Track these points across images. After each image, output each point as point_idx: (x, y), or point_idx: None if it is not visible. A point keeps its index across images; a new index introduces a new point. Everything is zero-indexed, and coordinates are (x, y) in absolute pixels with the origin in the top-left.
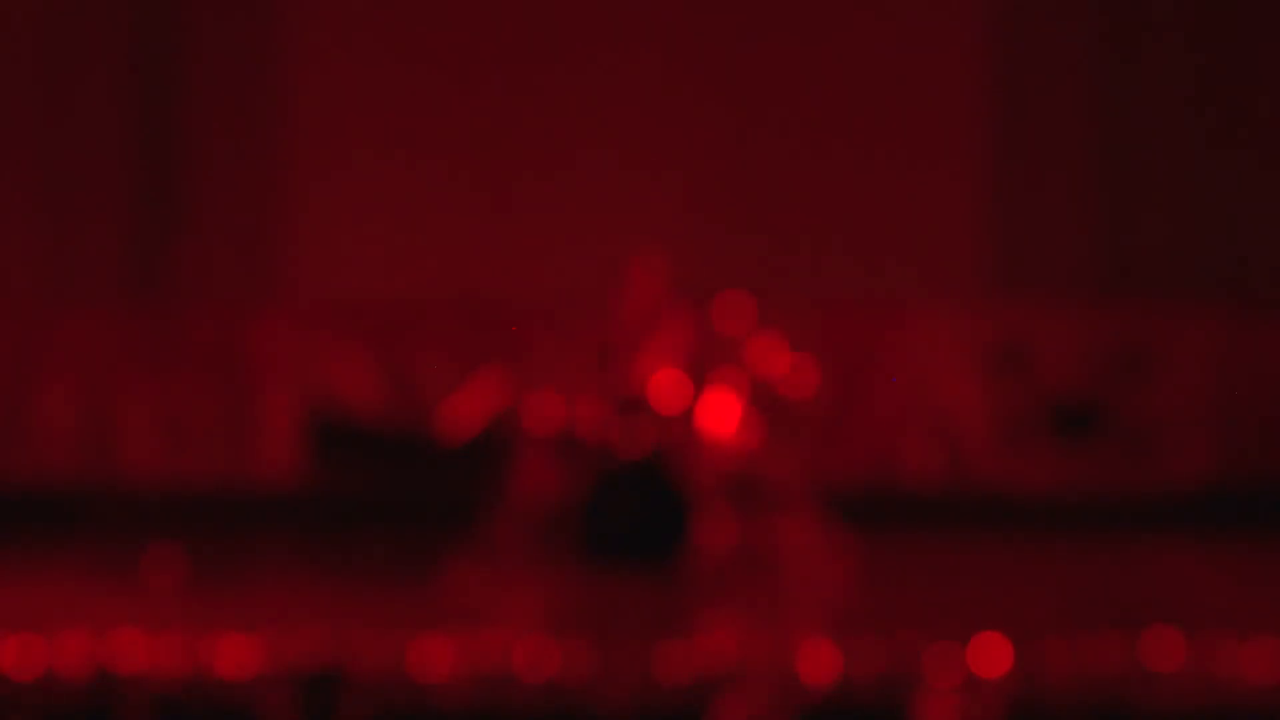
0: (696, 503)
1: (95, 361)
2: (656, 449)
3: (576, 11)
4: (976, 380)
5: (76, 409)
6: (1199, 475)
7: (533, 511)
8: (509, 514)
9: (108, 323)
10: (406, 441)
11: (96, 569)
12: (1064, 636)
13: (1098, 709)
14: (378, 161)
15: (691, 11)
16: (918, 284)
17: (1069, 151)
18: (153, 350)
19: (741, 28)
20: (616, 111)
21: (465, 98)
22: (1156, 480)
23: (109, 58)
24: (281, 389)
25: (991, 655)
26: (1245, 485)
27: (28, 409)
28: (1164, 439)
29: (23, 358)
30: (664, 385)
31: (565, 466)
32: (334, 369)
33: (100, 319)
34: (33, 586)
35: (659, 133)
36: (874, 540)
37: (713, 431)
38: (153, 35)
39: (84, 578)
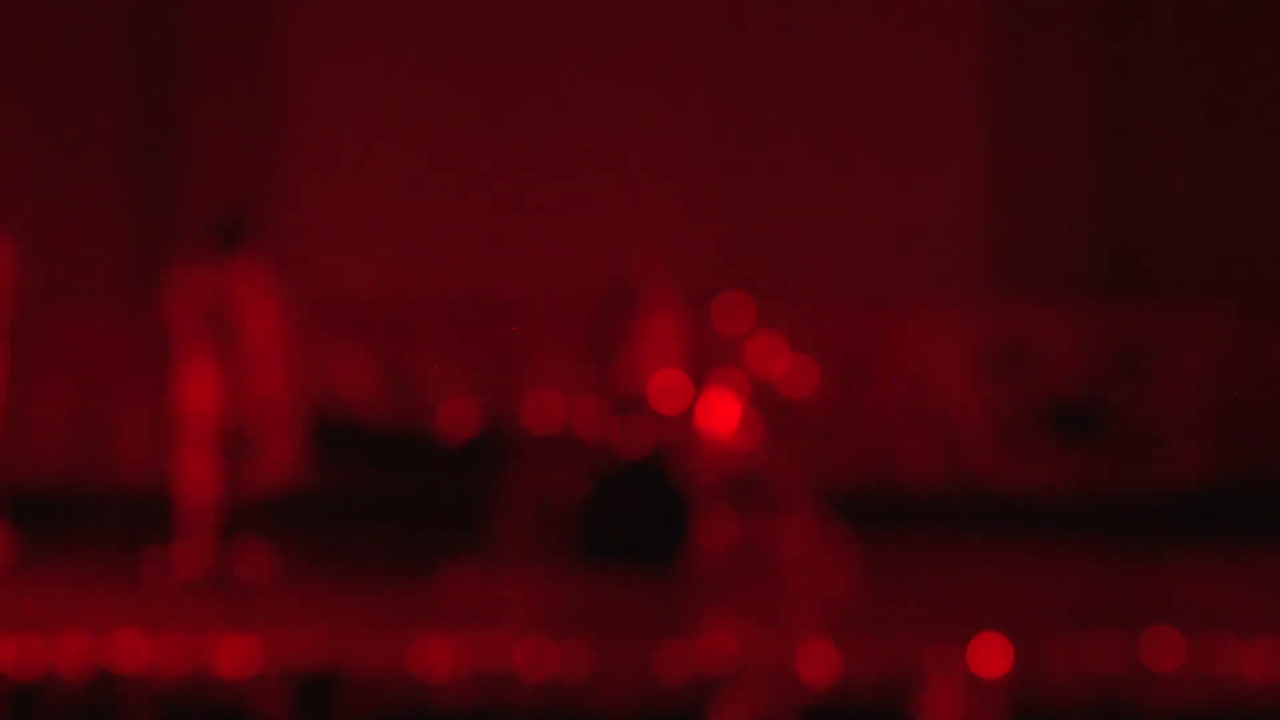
0: (696, 503)
1: (94, 361)
2: (656, 449)
3: (577, 12)
4: (976, 380)
5: (75, 409)
6: (1199, 475)
7: (533, 511)
8: (509, 514)
9: (107, 323)
10: (406, 441)
11: (96, 569)
12: (1064, 636)
13: (1098, 709)
14: (378, 162)
15: (692, 13)
16: (918, 284)
17: (1068, 152)
18: (152, 350)
19: (742, 29)
20: (617, 112)
21: (465, 98)
22: (1156, 480)
23: (109, 58)
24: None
25: (991, 655)
26: (1245, 485)
27: (27, 409)
28: (1164, 439)
29: (22, 357)
30: (664, 385)
31: (565, 466)
32: (334, 369)
33: (100, 319)
34: (33, 586)
35: (659, 133)
36: (874, 540)
37: (713, 431)
38: (153, 36)
39: (84, 578)
